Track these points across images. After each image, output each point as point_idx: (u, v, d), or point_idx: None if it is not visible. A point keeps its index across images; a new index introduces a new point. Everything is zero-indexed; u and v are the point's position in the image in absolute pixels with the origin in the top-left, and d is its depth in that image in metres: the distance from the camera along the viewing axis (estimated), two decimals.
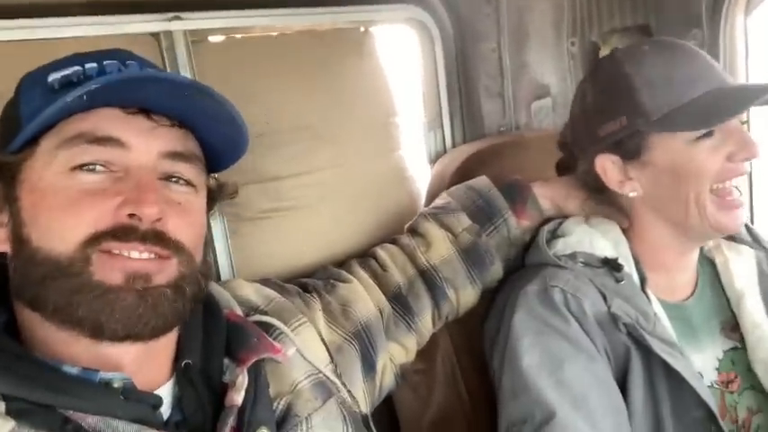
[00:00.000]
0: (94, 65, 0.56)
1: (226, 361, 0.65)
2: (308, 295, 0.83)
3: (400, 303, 0.89)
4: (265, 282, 0.82)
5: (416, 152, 1.19)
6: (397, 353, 0.89)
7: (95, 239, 0.53)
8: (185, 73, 0.91)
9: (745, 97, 0.80)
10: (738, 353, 0.90)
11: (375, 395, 0.85)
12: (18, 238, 0.55)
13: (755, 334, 0.89)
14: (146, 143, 0.57)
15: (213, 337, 0.65)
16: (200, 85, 0.57)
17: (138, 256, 0.54)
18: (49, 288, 0.53)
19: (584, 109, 0.90)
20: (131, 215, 0.54)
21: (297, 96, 0.97)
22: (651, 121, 0.81)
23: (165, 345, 0.61)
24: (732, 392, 0.88)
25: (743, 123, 0.86)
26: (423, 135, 1.22)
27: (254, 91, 0.92)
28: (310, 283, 0.86)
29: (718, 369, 0.89)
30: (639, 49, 0.86)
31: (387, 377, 0.87)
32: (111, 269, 0.53)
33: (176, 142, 0.59)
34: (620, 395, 0.80)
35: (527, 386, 0.79)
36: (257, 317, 0.73)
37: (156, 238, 0.55)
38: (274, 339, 0.70)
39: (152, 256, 0.55)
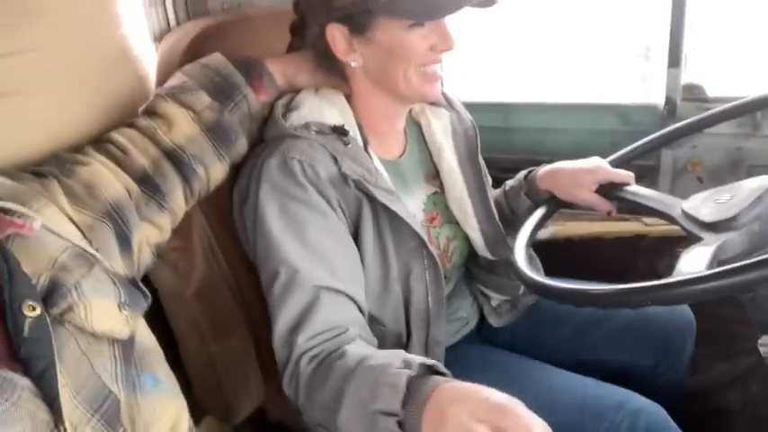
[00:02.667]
0: None
1: None
2: (45, 179, 0.77)
3: (148, 184, 0.88)
4: None
5: (139, 31, 1.12)
6: (151, 233, 0.89)
7: None
8: None
9: (457, 0, 0.91)
10: (438, 196, 1.12)
11: (134, 271, 0.85)
12: None
13: (451, 178, 1.11)
14: None
15: None
16: None
17: None
18: None
19: None
20: None
21: None
22: (381, 3, 0.90)
23: None
24: (435, 227, 1.11)
25: None
26: (144, 12, 1.15)
27: None
28: (44, 170, 0.79)
29: (424, 210, 1.10)
30: None
31: (144, 254, 0.87)
32: None
33: None
34: (354, 247, 0.96)
35: (276, 248, 0.90)
36: None
37: None
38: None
39: None
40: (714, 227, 0.83)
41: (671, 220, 0.93)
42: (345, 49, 0.97)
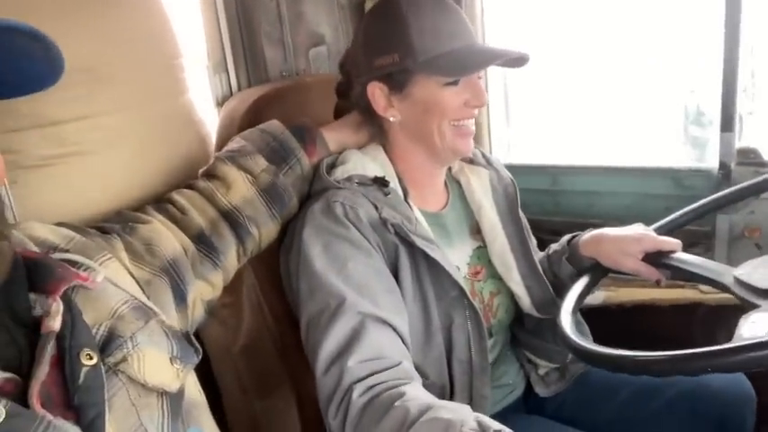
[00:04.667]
0: None
1: (32, 296, 0.62)
2: (108, 236, 0.82)
3: (204, 243, 0.92)
4: (61, 224, 0.79)
5: (203, 96, 1.20)
6: (204, 290, 0.92)
7: None
8: None
9: (489, 57, 1.00)
10: (482, 250, 1.13)
11: (187, 326, 0.87)
12: None
13: (492, 234, 1.12)
14: None
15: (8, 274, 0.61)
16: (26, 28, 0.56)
17: None
18: None
19: (365, 39, 1.03)
20: None
21: (73, 36, 0.91)
22: (418, 62, 0.97)
23: None
24: (479, 281, 1.11)
25: (479, 78, 1.05)
26: (208, 79, 1.23)
27: None
28: (107, 226, 0.84)
29: (468, 264, 1.11)
30: None
31: (197, 310, 0.90)
32: None
33: None
34: (395, 281, 0.97)
35: (321, 284, 0.92)
36: (59, 255, 0.71)
37: None
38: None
39: None
40: None
41: (723, 288, 0.89)
42: (385, 106, 1.03)
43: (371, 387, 0.83)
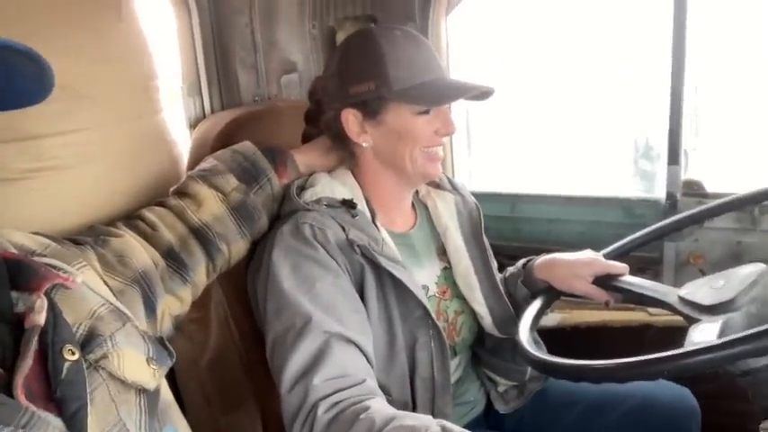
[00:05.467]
0: None
1: (14, 294, 0.64)
2: (81, 246, 0.84)
3: (174, 259, 0.95)
4: (36, 233, 0.81)
5: (176, 117, 1.23)
6: (173, 305, 0.94)
7: None
8: None
9: (461, 90, 1.05)
10: (447, 271, 1.18)
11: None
12: None
13: (456, 256, 1.17)
14: None
15: None
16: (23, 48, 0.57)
17: None
18: None
19: (340, 68, 1.07)
20: None
21: (54, 53, 0.93)
22: (392, 91, 1.02)
23: None
24: (446, 300, 1.16)
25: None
26: (182, 100, 1.26)
27: None
28: (80, 239, 0.86)
29: (437, 283, 1.15)
30: (393, 32, 1.05)
31: (165, 324, 0.92)
32: None
33: None
34: (361, 302, 1.00)
35: (288, 303, 0.94)
36: (37, 258, 0.73)
37: None
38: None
39: None
40: (713, 309, 0.85)
41: (668, 307, 0.95)
42: (358, 132, 1.07)
43: (336, 404, 0.85)
